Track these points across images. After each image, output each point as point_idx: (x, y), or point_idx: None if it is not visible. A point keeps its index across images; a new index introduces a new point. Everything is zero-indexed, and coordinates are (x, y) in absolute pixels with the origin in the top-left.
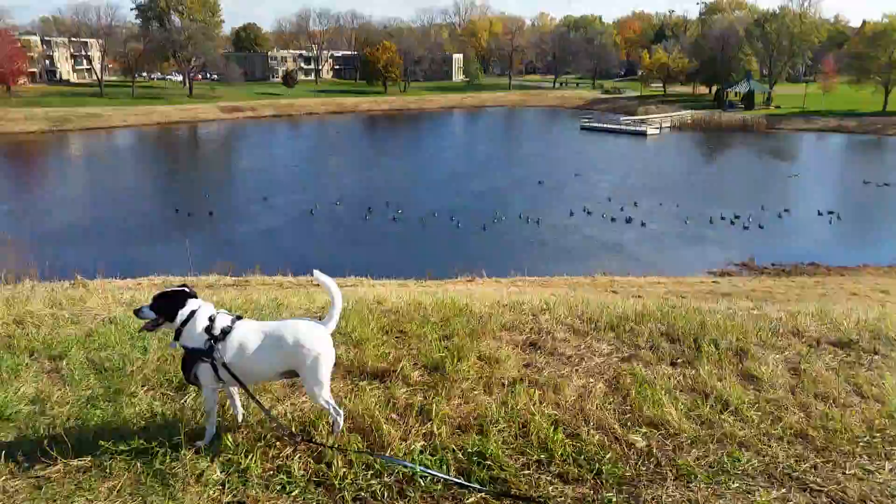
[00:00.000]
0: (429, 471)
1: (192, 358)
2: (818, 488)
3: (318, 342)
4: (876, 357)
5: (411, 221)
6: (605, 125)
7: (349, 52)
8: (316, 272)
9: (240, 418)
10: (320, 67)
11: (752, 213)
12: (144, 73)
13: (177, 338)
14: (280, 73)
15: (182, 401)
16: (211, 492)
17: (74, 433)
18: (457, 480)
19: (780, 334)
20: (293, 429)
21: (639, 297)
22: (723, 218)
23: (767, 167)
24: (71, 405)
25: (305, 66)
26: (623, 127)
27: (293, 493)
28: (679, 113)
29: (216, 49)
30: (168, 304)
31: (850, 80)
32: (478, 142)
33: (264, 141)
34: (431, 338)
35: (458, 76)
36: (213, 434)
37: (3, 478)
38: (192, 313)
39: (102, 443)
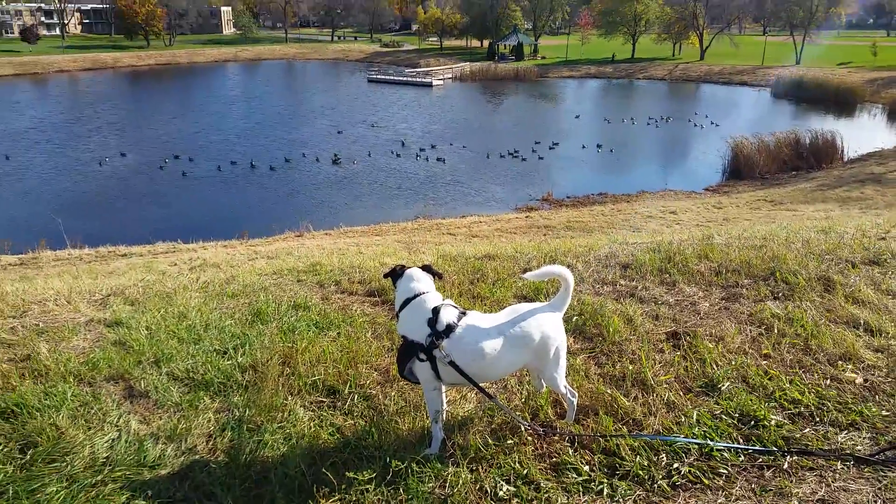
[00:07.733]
0: (730, 444)
1: (408, 351)
2: None
3: (560, 331)
4: None
5: (210, 174)
6: (391, 77)
7: (99, 6)
8: (526, 275)
9: (443, 416)
10: (66, 21)
11: (534, 148)
12: None
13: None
14: (16, 29)
15: (346, 403)
16: None
17: (259, 468)
18: (761, 448)
19: (821, 259)
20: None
21: (475, 236)
22: (510, 155)
23: (542, 109)
24: (215, 435)
25: (47, 21)
26: (409, 79)
27: (604, 492)
28: (459, 65)
29: None
30: (392, 277)
31: (602, 32)
32: (264, 95)
33: (10, 101)
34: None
35: (228, 29)
36: (441, 438)
37: None
38: (414, 298)
39: (349, 473)
